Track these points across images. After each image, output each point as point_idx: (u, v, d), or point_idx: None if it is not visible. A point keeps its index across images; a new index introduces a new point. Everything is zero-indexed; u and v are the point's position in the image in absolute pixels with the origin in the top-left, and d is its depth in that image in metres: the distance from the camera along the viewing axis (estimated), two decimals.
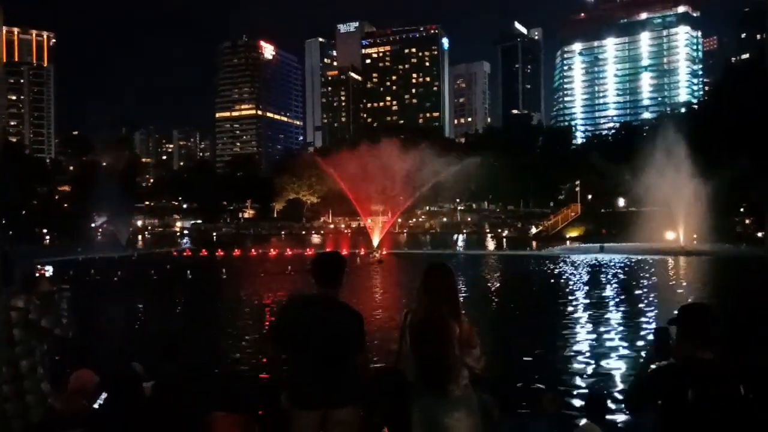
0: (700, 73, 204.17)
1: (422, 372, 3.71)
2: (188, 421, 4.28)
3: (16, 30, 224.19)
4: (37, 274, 4.24)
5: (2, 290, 3.44)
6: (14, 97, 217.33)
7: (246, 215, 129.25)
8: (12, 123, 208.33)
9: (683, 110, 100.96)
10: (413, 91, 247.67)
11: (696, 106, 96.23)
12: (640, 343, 12.46)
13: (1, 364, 3.25)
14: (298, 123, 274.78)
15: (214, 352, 12.05)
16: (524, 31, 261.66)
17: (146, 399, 4.20)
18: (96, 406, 4.06)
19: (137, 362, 4.64)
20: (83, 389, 4.15)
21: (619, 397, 8.52)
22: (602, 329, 14.29)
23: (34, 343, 3.41)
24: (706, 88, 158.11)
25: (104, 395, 4.06)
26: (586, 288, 22.95)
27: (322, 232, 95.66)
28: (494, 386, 4.86)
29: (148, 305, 19.89)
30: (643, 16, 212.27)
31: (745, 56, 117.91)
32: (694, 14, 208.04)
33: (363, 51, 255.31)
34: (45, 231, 78.12)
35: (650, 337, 13.18)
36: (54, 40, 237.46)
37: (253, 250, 45.50)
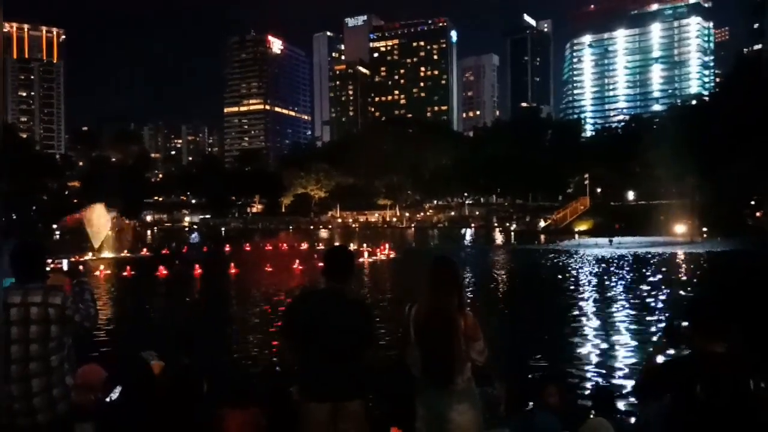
0: (712, 64, 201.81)
1: (428, 366, 3.71)
2: (201, 415, 4.28)
3: (26, 26, 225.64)
4: (52, 267, 4.08)
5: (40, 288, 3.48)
6: (24, 94, 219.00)
7: (254, 210, 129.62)
8: (23, 119, 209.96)
9: (694, 102, 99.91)
10: (421, 84, 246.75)
11: (707, 98, 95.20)
12: (649, 336, 12.42)
13: (34, 360, 3.34)
14: (306, 117, 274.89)
15: (223, 346, 12.11)
16: (533, 23, 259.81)
17: (159, 391, 4.18)
18: (108, 399, 4.03)
19: (148, 351, 4.61)
20: (90, 384, 4.14)
21: (627, 391, 8.53)
22: (611, 322, 14.28)
23: (66, 338, 3.49)
24: (718, 79, 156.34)
25: (118, 388, 4.03)
26: (595, 282, 22.79)
27: (329, 226, 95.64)
28: (500, 380, 4.95)
29: (158, 301, 19.93)
30: (654, 6, 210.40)
31: (757, 47, 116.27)
32: (706, 4, 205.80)
33: (371, 45, 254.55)
34: (55, 226, 78.55)
35: (659, 328, 13.12)
36: (63, 37, 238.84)
37: (266, 244, 45.31)
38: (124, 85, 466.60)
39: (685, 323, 3.07)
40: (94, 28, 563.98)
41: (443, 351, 3.65)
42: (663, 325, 3.63)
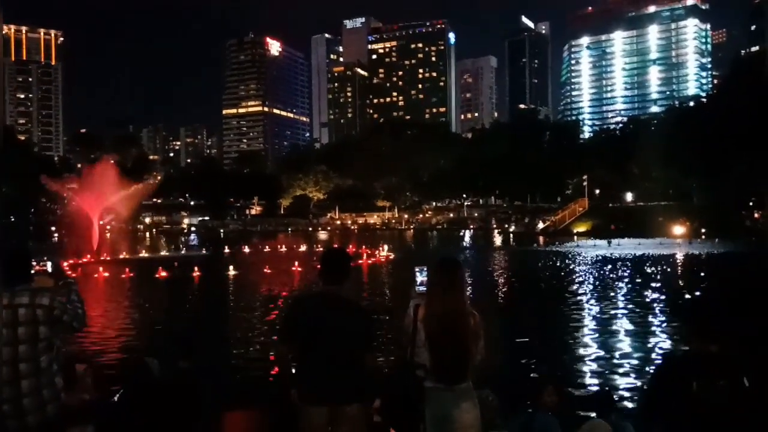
0: (709, 66, 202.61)
1: (440, 366, 3.73)
2: (201, 417, 4.28)
3: (24, 29, 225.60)
4: (37, 269, 4.03)
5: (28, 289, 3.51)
6: (23, 96, 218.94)
7: (253, 212, 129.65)
8: (21, 121, 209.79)
9: (692, 104, 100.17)
10: (420, 86, 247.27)
11: (704, 100, 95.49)
12: (647, 337, 12.52)
13: (24, 361, 3.34)
14: (304, 119, 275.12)
15: (223, 348, 11.99)
16: (531, 25, 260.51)
17: (160, 394, 4.18)
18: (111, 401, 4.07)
19: (152, 358, 4.63)
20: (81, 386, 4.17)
21: (628, 393, 8.56)
22: (609, 324, 14.32)
23: (55, 339, 3.48)
24: (715, 81, 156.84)
25: (120, 391, 4.08)
26: (594, 283, 22.84)
27: (328, 228, 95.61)
28: (499, 381, 5.05)
29: (158, 304, 19.89)
30: (651, 9, 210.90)
31: (755, 48, 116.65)
32: (703, 6, 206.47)
33: (369, 46, 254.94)
34: (53, 229, 78.47)
35: (658, 328, 13.45)
36: (62, 39, 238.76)
37: (265, 246, 45.26)
38: (122, 87, 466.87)
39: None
40: (93, 30, 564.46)
41: (459, 350, 3.70)
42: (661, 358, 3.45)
